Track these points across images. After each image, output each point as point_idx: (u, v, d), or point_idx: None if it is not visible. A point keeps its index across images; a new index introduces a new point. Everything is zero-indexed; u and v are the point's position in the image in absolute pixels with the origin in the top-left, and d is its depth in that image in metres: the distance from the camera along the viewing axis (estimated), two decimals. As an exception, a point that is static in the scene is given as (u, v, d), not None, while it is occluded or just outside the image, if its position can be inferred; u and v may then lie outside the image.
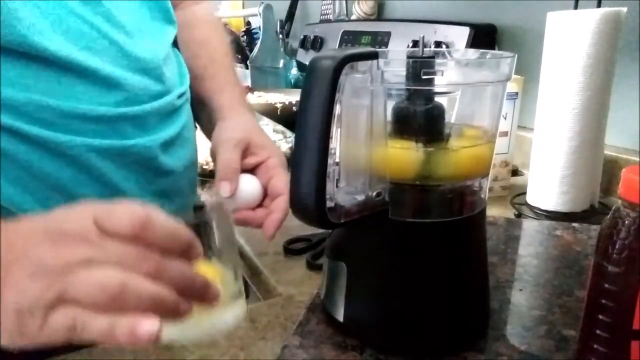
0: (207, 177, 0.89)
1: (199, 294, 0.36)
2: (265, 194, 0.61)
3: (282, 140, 1.08)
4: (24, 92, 0.48)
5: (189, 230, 0.36)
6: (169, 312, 0.33)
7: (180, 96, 0.63)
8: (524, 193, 0.84)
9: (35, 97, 0.48)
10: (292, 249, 0.69)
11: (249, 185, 0.61)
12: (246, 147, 0.62)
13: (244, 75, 1.77)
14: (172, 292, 0.34)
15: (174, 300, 0.34)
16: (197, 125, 0.74)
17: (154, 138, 0.57)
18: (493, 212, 0.81)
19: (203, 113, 0.70)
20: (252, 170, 0.62)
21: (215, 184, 0.60)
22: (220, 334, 0.44)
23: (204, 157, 0.81)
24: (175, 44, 0.68)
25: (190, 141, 0.65)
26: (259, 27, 1.84)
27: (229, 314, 0.42)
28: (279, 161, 0.63)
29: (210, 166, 0.93)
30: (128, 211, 0.34)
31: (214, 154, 0.63)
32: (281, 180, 0.60)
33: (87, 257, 0.33)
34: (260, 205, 0.61)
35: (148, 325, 0.32)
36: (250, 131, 0.64)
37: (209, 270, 0.41)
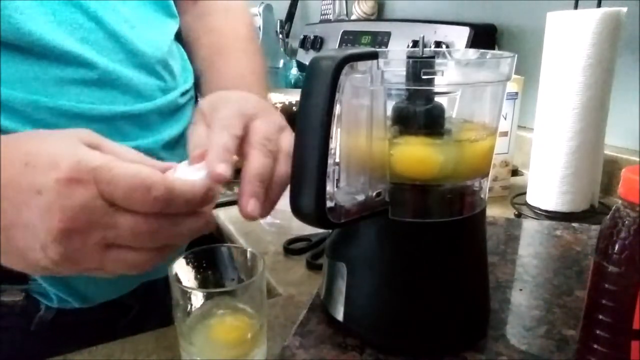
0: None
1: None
2: None
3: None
4: (21, 91, 0.46)
5: (203, 183, 0.38)
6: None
7: (184, 93, 0.60)
8: (524, 193, 0.84)
9: (32, 96, 0.46)
10: (292, 249, 0.69)
11: None
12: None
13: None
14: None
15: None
16: None
17: (157, 139, 0.55)
18: (493, 212, 0.81)
19: None
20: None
21: None
22: None
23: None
24: (179, 39, 0.65)
25: None
26: (259, 27, 1.84)
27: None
28: None
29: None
30: (140, 186, 0.34)
31: None
32: None
33: (102, 239, 0.34)
34: None
35: None
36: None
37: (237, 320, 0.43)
